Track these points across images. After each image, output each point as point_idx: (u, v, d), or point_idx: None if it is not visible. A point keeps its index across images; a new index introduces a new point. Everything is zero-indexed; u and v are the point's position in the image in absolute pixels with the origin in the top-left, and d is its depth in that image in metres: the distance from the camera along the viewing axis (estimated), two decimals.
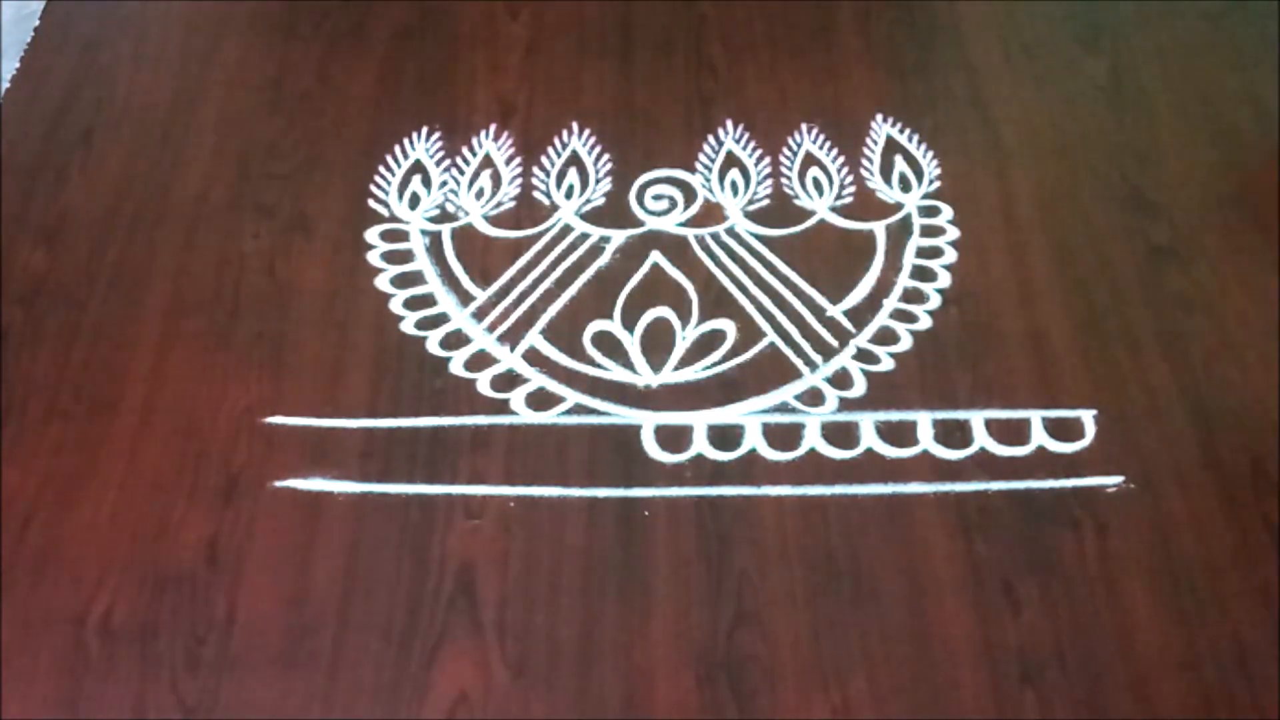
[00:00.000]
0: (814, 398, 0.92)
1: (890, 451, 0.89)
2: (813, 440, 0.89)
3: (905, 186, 1.06)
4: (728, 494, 0.87)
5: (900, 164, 1.08)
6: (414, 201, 1.06)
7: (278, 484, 0.87)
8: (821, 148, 1.10)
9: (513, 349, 0.96)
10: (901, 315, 0.97)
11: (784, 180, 1.07)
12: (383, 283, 1.00)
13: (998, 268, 1.00)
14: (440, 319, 0.98)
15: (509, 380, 0.94)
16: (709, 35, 1.20)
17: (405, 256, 1.02)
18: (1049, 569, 0.82)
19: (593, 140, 1.10)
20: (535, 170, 1.08)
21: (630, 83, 1.16)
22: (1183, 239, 1.02)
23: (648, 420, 0.91)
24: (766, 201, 1.06)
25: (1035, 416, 0.90)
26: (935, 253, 1.02)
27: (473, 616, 0.81)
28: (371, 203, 1.05)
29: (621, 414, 0.91)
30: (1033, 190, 1.06)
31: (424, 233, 1.03)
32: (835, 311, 0.98)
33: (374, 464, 0.88)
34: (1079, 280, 0.99)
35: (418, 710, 0.77)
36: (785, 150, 1.09)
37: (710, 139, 1.10)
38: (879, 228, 1.04)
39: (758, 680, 0.78)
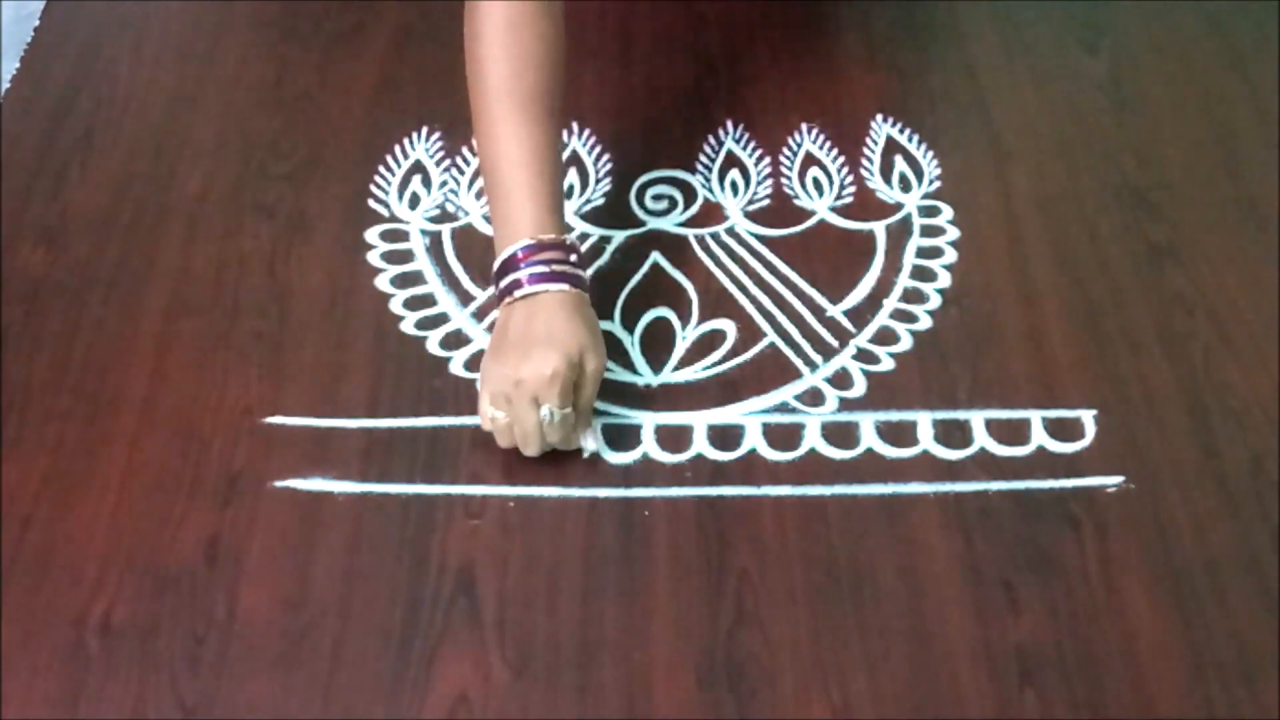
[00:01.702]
0: (814, 398, 0.92)
1: (890, 451, 0.89)
2: (813, 440, 0.89)
3: (905, 186, 1.07)
4: (728, 494, 0.87)
5: (900, 164, 1.08)
6: (414, 201, 1.06)
7: (277, 484, 0.87)
8: (821, 148, 1.10)
9: None
10: (901, 315, 0.97)
11: (784, 180, 1.07)
12: (383, 283, 1.00)
13: (998, 268, 1.00)
14: (440, 319, 0.98)
15: None
16: (709, 35, 1.20)
17: (405, 256, 1.02)
18: (1049, 569, 0.82)
19: (592, 140, 1.10)
20: None
21: (630, 83, 1.16)
22: (1183, 239, 1.02)
23: (648, 420, 0.91)
24: (766, 201, 1.06)
25: (1035, 416, 0.90)
26: (935, 253, 1.02)
27: (473, 616, 0.81)
28: (371, 203, 1.06)
29: (622, 414, 0.91)
30: (1033, 190, 1.06)
31: (424, 233, 1.04)
32: (835, 311, 0.98)
33: (374, 464, 0.88)
34: (1079, 280, 0.99)
35: (418, 710, 0.77)
36: (785, 150, 1.09)
37: (710, 139, 1.10)
38: (879, 228, 1.04)
39: (758, 680, 0.78)
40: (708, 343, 0.96)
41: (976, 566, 0.83)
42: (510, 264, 0.87)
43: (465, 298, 0.99)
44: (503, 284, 0.87)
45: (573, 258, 0.88)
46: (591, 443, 0.87)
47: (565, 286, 0.86)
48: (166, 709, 0.77)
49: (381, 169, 1.08)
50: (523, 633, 0.80)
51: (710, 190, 1.06)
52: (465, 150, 1.09)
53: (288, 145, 1.10)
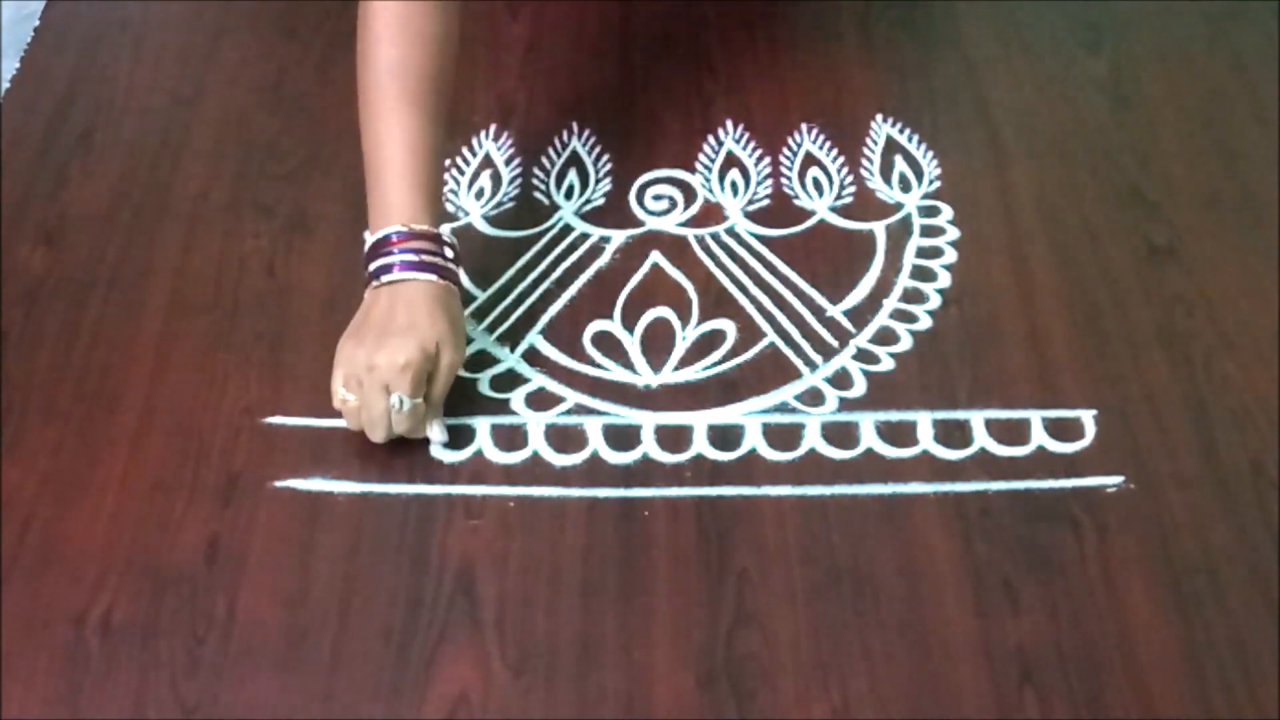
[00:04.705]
0: (814, 398, 0.92)
1: (890, 451, 0.89)
2: (813, 440, 0.89)
3: (905, 187, 1.07)
4: (728, 494, 0.87)
5: (900, 164, 1.08)
6: None
7: (277, 484, 0.87)
8: (821, 148, 1.10)
9: (513, 349, 0.96)
10: (901, 315, 0.97)
11: (784, 180, 1.07)
12: None
13: (998, 267, 1.00)
14: None
15: (509, 380, 0.94)
16: (709, 35, 1.20)
17: None
18: (1049, 569, 0.82)
19: (593, 140, 1.10)
20: (535, 170, 1.08)
21: (630, 83, 1.16)
22: (1183, 239, 1.02)
23: (648, 420, 0.91)
24: (766, 201, 1.06)
25: (1035, 416, 0.90)
26: (935, 253, 1.02)
27: (473, 616, 0.81)
28: None
29: (622, 414, 0.91)
30: (1033, 190, 1.06)
31: None
32: (835, 311, 0.98)
33: (374, 464, 0.88)
34: (1079, 280, 0.99)
35: (418, 710, 0.77)
36: (785, 150, 1.10)
37: (710, 139, 1.10)
38: (879, 228, 1.04)
39: (758, 680, 0.78)
40: (708, 343, 0.96)
41: (976, 566, 0.83)
42: (381, 248, 0.88)
43: (465, 298, 0.99)
44: (372, 267, 0.88)
45: (447, 251, 0.89)
46: (438, 434, 0.87)
47: (433, 277, 0.87)
48: (166, 709, 0.77)
49: None
50: (523, 633, 0.80)
51: (710, 190, 1.07)
52: (465, 150, 1.09)
53: (288, 145, 1.10)
